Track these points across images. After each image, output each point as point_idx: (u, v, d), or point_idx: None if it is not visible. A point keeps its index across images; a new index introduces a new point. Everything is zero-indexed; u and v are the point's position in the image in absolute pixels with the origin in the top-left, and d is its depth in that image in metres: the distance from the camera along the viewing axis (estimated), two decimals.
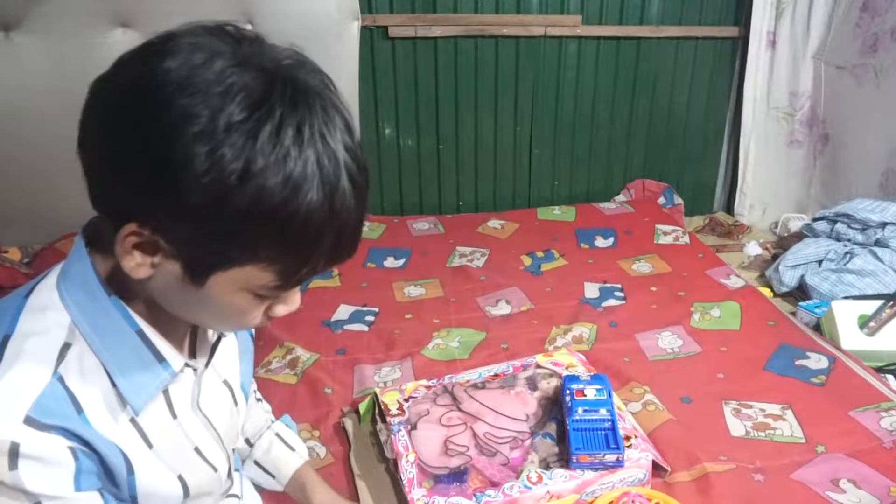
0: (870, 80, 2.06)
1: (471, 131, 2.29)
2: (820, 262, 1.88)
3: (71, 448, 0.54)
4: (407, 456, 1.09)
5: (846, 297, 1.70)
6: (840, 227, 1.95)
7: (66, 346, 0.56)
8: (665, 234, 2.12)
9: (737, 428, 1.24)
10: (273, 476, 0.99)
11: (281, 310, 0.60)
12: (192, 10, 1.83)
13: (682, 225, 2.25)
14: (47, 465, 0.53)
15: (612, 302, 1.71)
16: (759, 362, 1.44)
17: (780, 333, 1.55)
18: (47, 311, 0.56)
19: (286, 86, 0.49)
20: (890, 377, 1.42)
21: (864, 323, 1.52)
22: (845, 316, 1.54)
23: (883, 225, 1.86)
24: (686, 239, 2.08)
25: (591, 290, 1.77)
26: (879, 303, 1.56)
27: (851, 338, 1.51)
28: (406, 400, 1.21)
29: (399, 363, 1.45)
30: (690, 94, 2.43)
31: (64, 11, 1.79)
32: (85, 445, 0.55)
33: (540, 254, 1.98)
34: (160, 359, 0.60)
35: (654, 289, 1.77)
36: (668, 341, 1.54)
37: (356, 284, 1.80)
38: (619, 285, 1.79)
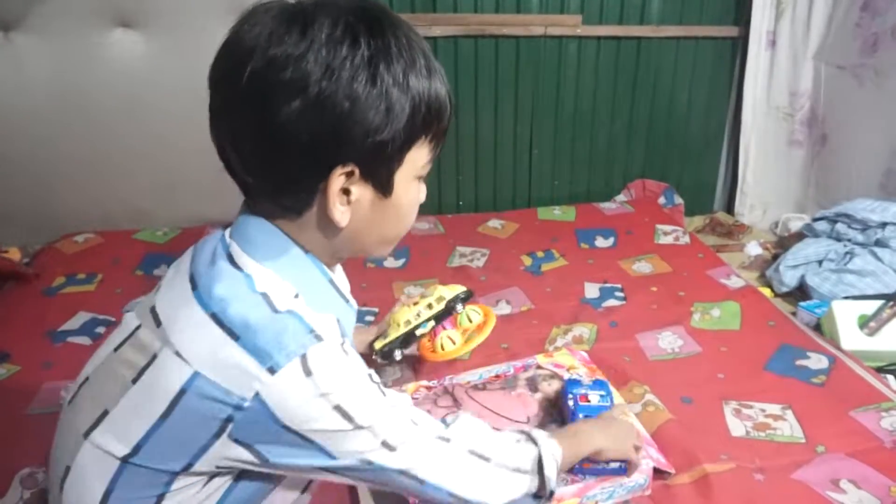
0: (870, 79, 2.06)
1: (471, 131, 2.29)
2: (820, 262, 1.88)
3: None
4: None
5: (846, 297, 1.70)
6: (840, 227, 1.94)
7: (296, 296, 0.66)
8: (665, 234, 2.12)
9: (737, 428, 1.24)
10: None
11: (423, 195, 0.75)
12: (192, 9, 1.84)
13: (682, 225, 2.24)
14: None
15: (612, 302, 1.71)
16: (759, 362, 1.44)
17: (781, 333, 1.55)
18: (265, 272, 0.65)
19: (378, 20, 0.62)
20: (890, 377, 1.42)
21: (864, 323, 1.52)
22: (845, 316, 1.54)
23: (883, 225, 1.86)
24: (686, 239, 2.08)
25: (592, 291, 1.77)
26: (880, 303, 1.55)
27: (852, 338, 1.50)
28: None
29: (400, 363, 1.45)
30: (690, 94, 2.43)
31: (64, 11, 1.79)
32: None
33: (540, 254, 1.97)
34: (346, 300, 0.75)
35: (654, 289, 1.77)
36: (669, 341, 1.54)
37: (356, 285, 1.76)
38: (620, 285, 1.79)
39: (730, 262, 1.96)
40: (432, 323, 1.22)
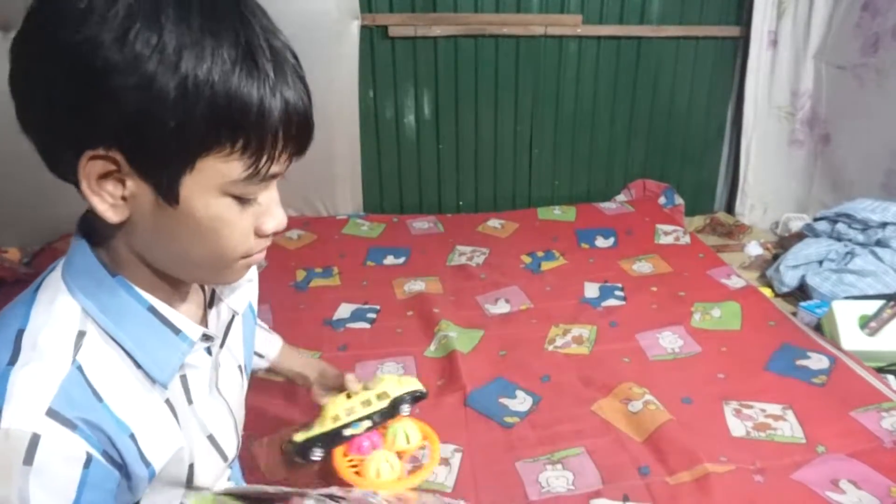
0: (871, 79, 2.06)
1: (471, 131, 2.29)
2: (821, 262, 1.88)
3: (88, 453, 0.52)
4: None
5: (847, 297, 1.70)
6: (841, 227, 1.94)
7: (80, 335, 0.55)
8: (666, 233, 2.12)
9: (737, 428, 1.24)
10: (262, 356, 1.00)
11: (269, 224, 0.58)
12: None
13: (682, 225, 2.24)
14: (60, 466, 0.51)
15: (612, 302, 1.71)
16: (759, 362, 1.44)
17: (781, 333, 1.55)
18: (56, 302, 0.55)
19: None
20: (890, 377, 1.42)
21: (864, 323, 1.52)
22: (846, 316, 1.54)
23: (884, 225, 1.86)
24: (687, 239, 2.08)
25: (591, 290, 1.77)
26: (880, 303, 1.55)
27: (852, 338, 1.50)
28: None
29: (402, 359, 1.46)
30: (691, 94, 2.43)
31: None
32: (106, 441, 0.54)
33: (540, 253, 1.97)
34: (176, 331, 0.60)
35: (654, 289, 1.77)
36: (669, 341, 1.53)
37: (356, 283, 1.80)
38: (620, 285, 1.79)
39: (730, 262, 1.96)
40: (367, 424, 0.93)
